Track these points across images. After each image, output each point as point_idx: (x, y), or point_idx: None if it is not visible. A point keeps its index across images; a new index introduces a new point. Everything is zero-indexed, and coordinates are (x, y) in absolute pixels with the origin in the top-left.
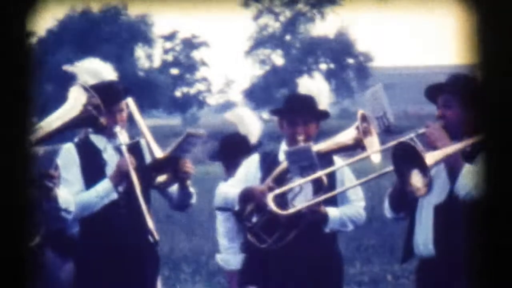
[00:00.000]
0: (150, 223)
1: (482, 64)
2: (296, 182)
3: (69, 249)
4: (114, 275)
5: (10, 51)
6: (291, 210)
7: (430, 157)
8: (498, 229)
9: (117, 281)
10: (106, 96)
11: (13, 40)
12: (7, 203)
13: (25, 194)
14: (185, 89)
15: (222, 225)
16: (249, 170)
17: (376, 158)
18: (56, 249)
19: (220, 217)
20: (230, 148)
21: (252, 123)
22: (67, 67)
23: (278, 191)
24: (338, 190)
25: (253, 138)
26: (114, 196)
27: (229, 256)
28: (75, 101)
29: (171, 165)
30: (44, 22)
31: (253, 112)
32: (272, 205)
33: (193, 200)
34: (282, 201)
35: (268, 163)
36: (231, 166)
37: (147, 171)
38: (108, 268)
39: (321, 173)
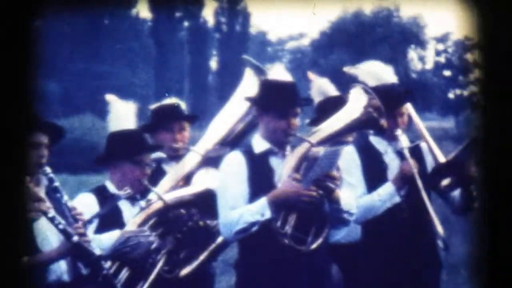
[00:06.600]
0: (440, 229)
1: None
2: None
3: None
4: (397, 277)
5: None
6: None
7: None
8: None
9: (400, 284)
10: (387, 99)
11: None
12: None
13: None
14: (458, 91)
15: None
16: None
17: None
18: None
19: None
20: None
21: None
22: (347, 69)
23: None
24: None
25: None
26: (397, 199)
27: None
28: (356, 103)
29: (456, 169)
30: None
31: None
32: None
33: (476, 204)
34: None
35: None
36: None
37: (432, 175)
38: (392, 270)
39: None
